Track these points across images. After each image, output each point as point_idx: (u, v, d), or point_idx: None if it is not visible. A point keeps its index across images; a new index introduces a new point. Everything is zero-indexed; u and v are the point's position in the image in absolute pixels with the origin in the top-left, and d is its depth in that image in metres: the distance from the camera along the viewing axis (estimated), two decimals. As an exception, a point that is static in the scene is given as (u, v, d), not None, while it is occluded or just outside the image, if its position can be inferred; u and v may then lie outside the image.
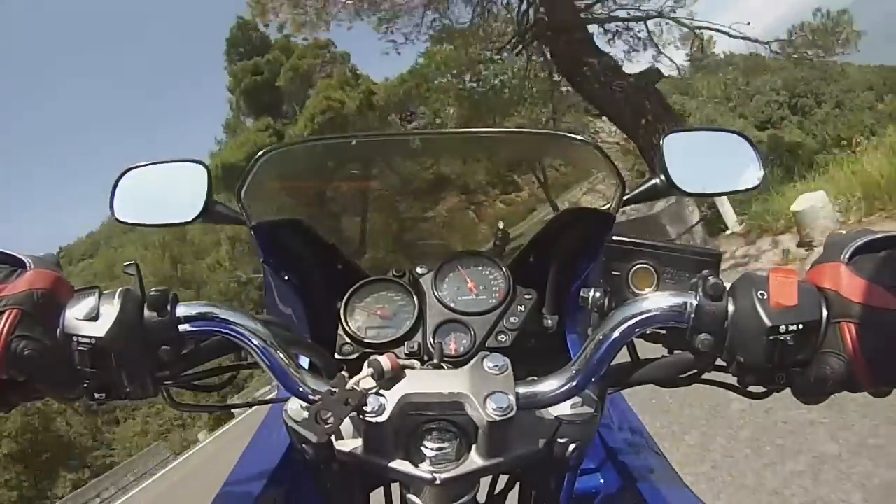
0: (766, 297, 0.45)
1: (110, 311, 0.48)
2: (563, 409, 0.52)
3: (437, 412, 0.49)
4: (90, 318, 0.48)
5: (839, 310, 0.44)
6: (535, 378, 0.51)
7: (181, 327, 0.50)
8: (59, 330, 0.48)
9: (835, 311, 0.44)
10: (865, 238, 0.46)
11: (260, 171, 0.83)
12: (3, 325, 0.46)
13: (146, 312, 0.49)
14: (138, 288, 0.51)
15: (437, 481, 0.48)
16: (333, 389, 0.47)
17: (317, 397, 0.49)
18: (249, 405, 0.86)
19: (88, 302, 0.49)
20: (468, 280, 0.85)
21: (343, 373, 0.48)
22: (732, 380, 0.51)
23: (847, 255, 0.46)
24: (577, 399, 0.52)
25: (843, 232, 0.49)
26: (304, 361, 0.74)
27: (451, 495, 0.51)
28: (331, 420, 0.46)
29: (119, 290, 0.50)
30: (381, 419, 0.47)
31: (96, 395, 0.50)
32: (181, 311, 0.50)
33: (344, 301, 0.83)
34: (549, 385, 0.50)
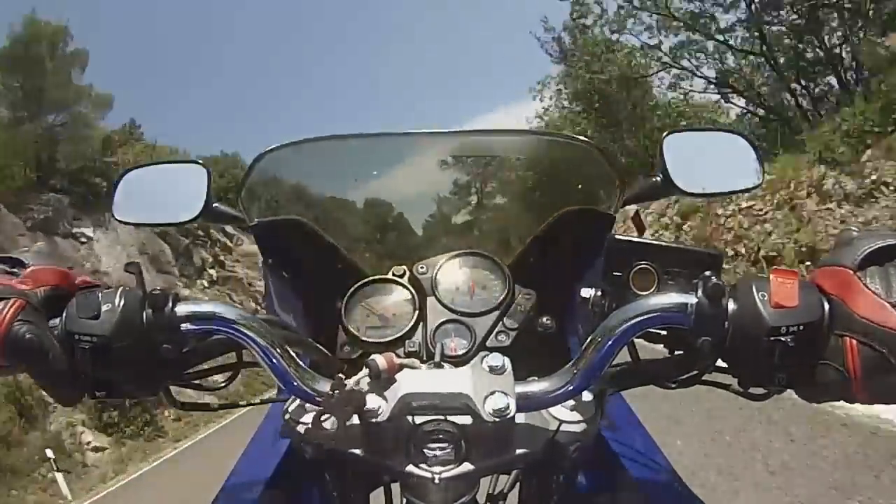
0: (766, 297, 0.45)
1: (111, 309, 0.48)
2: (563, 409, 0.52)
3: (437, 412, 0.49)
4: (91, 317, 0.48)
5: (844, 322, 0.43)
6: (535, 378, 0.51)
7: (182, 326, 0.50)
8: (61, 327, 0.48)
9: (839, 323, 0.44)
10: (878, 244, 0.45)
11: (260, 171, 0.83)
12: (7, 311, 0.46)
13: (147, 311, 0.49)
14: (139, 286, 0.52)
15: (437, 481, 0.48)
16: (333, 392, 0.47)
17: (316, 396, 0.49)
18: (250, 404, 0.86)
19: (90, 300, 0.49)
20: (468, 280, 0.85)
21: (341, 375, 0.48)
22: (733, 381, 0.51)
23: (857, 262, 0.44)
24: (576, 399, 0.52)
25: (855, 231, 0.47)
26: (305, 361, 0.74)
27: (451, 495, 0.50)
28: (333, 424, 0.45)
29: (120, 288, 0.50)
30: (381, 419, 0.47)
31: (97, 394, 0.50)
32: (182, 309, 0.50)
33: (344, 301, 0.83)
34: (549, 385, 0.50)
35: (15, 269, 0.50)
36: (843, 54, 13.76)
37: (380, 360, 0.48)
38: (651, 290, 0.58)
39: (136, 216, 0.86)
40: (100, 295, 0.49)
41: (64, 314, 0.49)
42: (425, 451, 0.49)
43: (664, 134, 0.81)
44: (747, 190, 0.86)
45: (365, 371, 0.48)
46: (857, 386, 0.43)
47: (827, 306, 0.45)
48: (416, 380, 0.49)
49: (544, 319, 0.83)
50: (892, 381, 0.42)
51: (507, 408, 0.46)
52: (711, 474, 2.94)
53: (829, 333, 0.44)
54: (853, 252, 0.45)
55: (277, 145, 0.86)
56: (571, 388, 0.49)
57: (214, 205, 0.80)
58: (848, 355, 0.42)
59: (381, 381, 0.48)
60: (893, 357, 0.41)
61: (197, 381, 0.59)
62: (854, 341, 0.42)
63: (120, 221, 0.83)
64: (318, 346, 0.67)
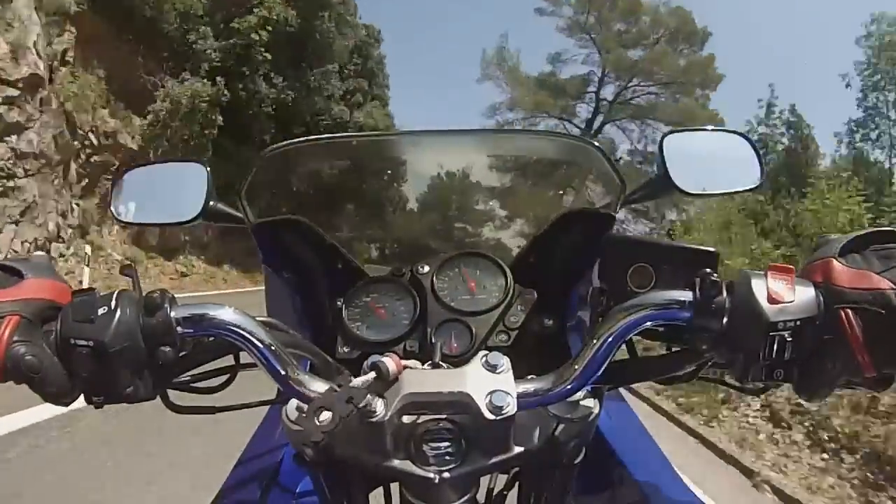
0: (764, 293, 0.46)
1: (108, 313, 0.48)
2: (563, 407, 0.52)
3: (437, 411, 0.49)
4: (87, 321, 0.47)
5: (834, 298, 0.45)
6: (535, 377, 0.51)
7: (179, 329, 0.50)
8: (56, 333, 0.48)
9: (830, 301, 0.45)
10: (855, 234, 0.48)
11: (261, 171, 0.83)
12: (3, 331, 0.45)
13: (143, 314, 0.49)
14: (135, 289, 0.51)
15: (437, 481, 0.48)
16: (336, 387, 0.47)
17: (315, 395, 0.49)
18: (249, 406, 0.86)
19: (85, 304, 0.48)
20: (468, 279, 0.85)
21: (347, 373, 0.48)
22: (731, 376, 0.51)
23: (837, 251, 0.47)
24: (576, 397, 0.52)
25: (831, 235, 0.51)
26: (304, 362, 0.74)
27: (451, 495, 0.50)
28: (330, 419, 0.45)
29: (116, 291, 0.50)
30: (380, 419, 0.47)
31: (94, 398, 0.50)
32: (178, 312, 0.50)
33: (344, 300, 0.83)
34: (549, 384, 0.50)
35: (12, 278, 0.49)
36: None
37: (389, 362, 0.48)
38: (648, 288, 0.58)
39: (136, 216, 0.86)
40: (95, 299, 0.49)
41: (59, 319, 0.48)
42: (425, 450, 0.49)
43: (663, 134, 0.81)
44: (748, 190, 0.86)
45: (371, 374, 0.48)
46: (862, 355, 0.44)
47: (820, 295, 0.46)
48: (416, 379, 0.49)
49: (544, 319, 0.83)
50: (892, 339, 0.43)
51: (507, 406, 0.46)
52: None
53: (826, 315, 0.45)
54: (833, 245, 0.48)
55: (278, 145, 0.86)
56: (571, 385, 0.49)
57: (214, 204, 0.80)
58: (845, 325, 0.44)
59: (386, 383, 0.48)
60: (887, 313, 0.43)
61: (195, 385, 0.59)
62: (848, 310, 0.44)
63: (119, 221, 0.83)
64: (317, 347, 0.67)
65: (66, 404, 0.50)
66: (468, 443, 0.49)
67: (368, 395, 0.47)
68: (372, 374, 0.47)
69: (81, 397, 0.50)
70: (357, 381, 0.47)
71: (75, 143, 11.33)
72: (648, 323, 0.49)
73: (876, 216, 5.95)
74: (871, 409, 3.55)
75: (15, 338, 0.45)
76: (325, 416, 0.46)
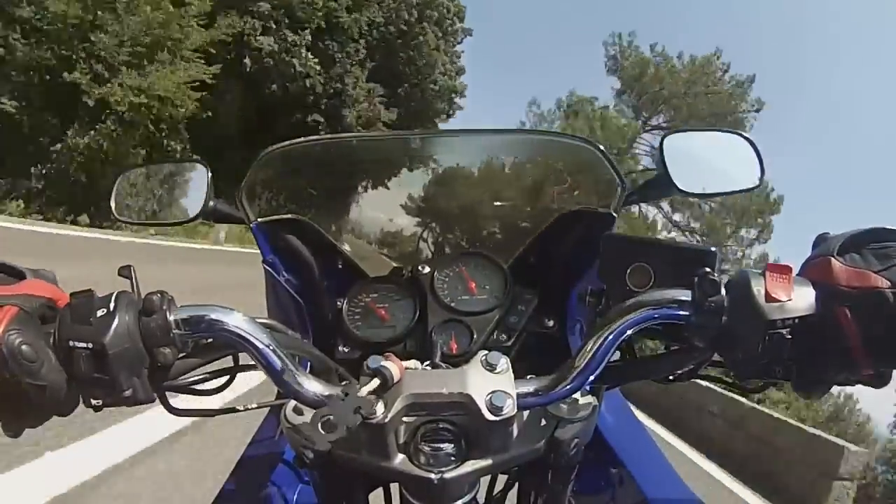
0: (762, 292, 0.46)
1: (106, 314, 0.47)
2: (562, 407, 0.52)
3: (437, 412, 0.49)
4: (85, 323, 0.47)
5: (833, 297, 0.45)
6: (535, 377, 0.51)
7: (177, 330, 0.49)
8: (54, 335, 0.47)
9: (829, 299, 0.45)
10: (852, 232, 0.48)
11: (261, 171, 0.83)
12: (1, 319, 0.44)
13: (142, 316, 0.49)
14: (133, 291, 0.51)
15: (437, 481, 0.48)
16: (343, 395, 0.46)
17: (319, 398, 0.49)
18: (249, 408, 0.86)
19: (83, 306, 0.48)
20: (468, 279, 0.85)
21: (354, 381, 0.47)
22: (730, 374, 0.51)
23: (836, 250, 0.47)
24: (575, 397, 0.52)
25: (830, 233, 0.51)
26: (304, 363, 0.74)
27: (451, 495, 0.50)
28: (336, 428, 0.45)
29: (114, 293, 0.49)
30: (381, 420, 0.46)
31: (93, 402, 0.49)
32: (177, 313, 0.49)
33: (344, 300, 0.83)
34: (549, 383, 0.50)
35: (14, 277, 0.49)
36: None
37: (391, 367, 0.48)
38: (647, 287, 0.58)
39: (136, 215, 0.86)
40: (94, 300, 0.48)
41: (57, 321, 0.47)
42: (425, 451, 0.49)
43: (663, 134, 0.81)
44: (748, 189, 0.86)
45: (375, 381, 0.47)
46: (860, 353, 0.44)
47: (818, 294, 0.46)
48: (416, 380, 0.49)
49: (544, 319, 0.83)
50: (890, 337, 0.43)
51: (508, 407, 0.46)
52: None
53: (824, 313, 0.45)
54: (831, 243, 0.48)
55: (278, 145, 0.86)
56: (570, 385, 0.49)
57: (214, 204, 0.80)
58: (843, 323, 0.44)
59: (389, 387, 0.47)
60: (885, 311, 0.43)
61: (194, 387, 0.58)
62: (846, 309, 0.44)
63: (119, 221, 0.83)
64: (316, 349, 0.67)
65: (65, 413, 0.49)
66: (468, 443, 0.49)
67: (375, 404, 0.46)
68: (376, 381, 0.47)
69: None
70: (364, 391, 0.46)
71: None
72: (647, 322, 0.49)
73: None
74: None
75: (13, 326, 0.45)
76: (332, 423, 0.45)
